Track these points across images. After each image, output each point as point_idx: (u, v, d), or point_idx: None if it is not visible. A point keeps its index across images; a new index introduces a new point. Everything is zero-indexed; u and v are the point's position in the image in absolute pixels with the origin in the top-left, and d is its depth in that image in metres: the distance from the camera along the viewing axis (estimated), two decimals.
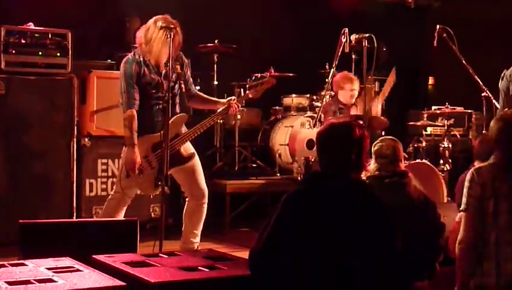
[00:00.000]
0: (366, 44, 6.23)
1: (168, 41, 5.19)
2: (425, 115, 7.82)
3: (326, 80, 8.10)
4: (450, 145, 7.29)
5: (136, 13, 7.51)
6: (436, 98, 9.11)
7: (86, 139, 6.65)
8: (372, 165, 4.34)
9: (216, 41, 7.88)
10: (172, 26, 5.17)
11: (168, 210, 6.70)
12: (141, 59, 5.34)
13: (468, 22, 7.86)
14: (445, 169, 7.03)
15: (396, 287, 3.36)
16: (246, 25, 8.68)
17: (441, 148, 7.25)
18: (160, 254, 4.18)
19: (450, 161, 7.18)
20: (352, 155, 3.41)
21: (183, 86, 5.49)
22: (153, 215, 6.78)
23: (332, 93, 7.35)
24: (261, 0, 9.13)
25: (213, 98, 5.93)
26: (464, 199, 3.81)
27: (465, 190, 3.83)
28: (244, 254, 5.37)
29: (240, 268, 3.70)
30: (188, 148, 5.55)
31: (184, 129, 5.52)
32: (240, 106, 5.70)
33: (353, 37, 6.25)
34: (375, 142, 4.44)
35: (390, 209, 3.42)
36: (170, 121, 5.22)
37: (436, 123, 7.82)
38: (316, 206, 3.30)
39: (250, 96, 5.76)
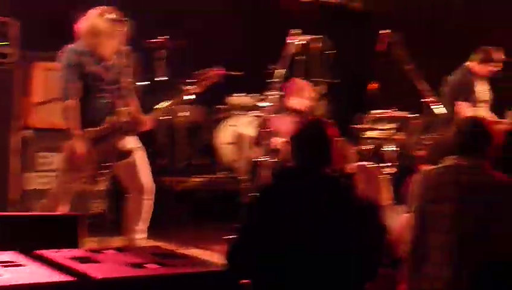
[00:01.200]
0: (316, 45, 6.26)
1: (117, 34, 5.14)
2: (369, 118, 7.90)
3: (272, 80, 8.11)
4: (394, 149, 7.38)
5: (84, 5, 7.40)
6: (380, 102, 9.21)
7: (28, 132, 6.51)
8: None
9: (164, 36, 7.83)
10: (124, 19, 5.10)
11: (109, 206, 6.64)
12: (83, 49, 5.23)
13: (412, 26, 7.97)
14: (388, 172, 7.11)
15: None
16: (195, 21, 8.66)
17: (385, 152, 7.33)
18: (106, 250, 4.10)
19: (394, 164, 7.26)
20: (323, 151, 3.57)
21: (127, 79, 5.41)
22: (92, 211, 6.67)
23: (280, 93, 7.33)
24: None
25: (136, 108, 5.63)
26: (410, 202, 3.89)
27: (412, 193, 3.90)
28: (189, 252, 5.37)
29: (189, 266, 3.67)
30: (129, 142, 5.47)
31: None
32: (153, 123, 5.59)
33: (303, 38, 6.27)
34: None
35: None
36: (113, 116, 5.16)
37: (380, 127, 7.91)
38: (284, 202, 3.44)
39: (193, 91, 5.69)
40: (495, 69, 7.18)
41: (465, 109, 6.96)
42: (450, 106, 7.13)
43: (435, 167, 3.97)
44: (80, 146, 5.18)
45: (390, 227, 4.53)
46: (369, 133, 7.77)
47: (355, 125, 8.09)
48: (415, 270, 3.86)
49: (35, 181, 6.59)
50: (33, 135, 6.52)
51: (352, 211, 3.63)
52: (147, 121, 5.49)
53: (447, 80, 7.29)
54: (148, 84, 7.84)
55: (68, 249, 4.02)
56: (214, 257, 5.67)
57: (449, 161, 3.91)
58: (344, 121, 8.65)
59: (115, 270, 3.39)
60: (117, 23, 5.12)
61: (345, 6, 10.07)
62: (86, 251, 4.09)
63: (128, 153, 5.40)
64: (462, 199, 3.74)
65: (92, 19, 5.26)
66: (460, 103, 7.00)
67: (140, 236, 5.55)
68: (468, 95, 7.04)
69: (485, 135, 3.90)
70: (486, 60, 7.15)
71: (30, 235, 4.36)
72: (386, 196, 6.62)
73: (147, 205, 5.52)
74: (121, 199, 6.37)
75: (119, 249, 4.14)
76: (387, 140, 7.60)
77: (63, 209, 5.39)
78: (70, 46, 5.30)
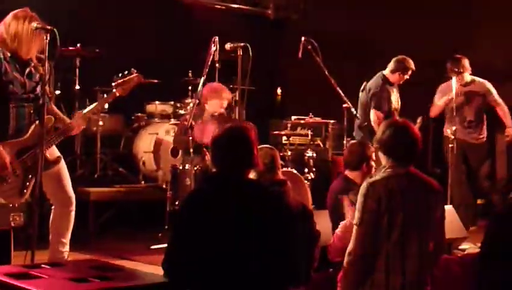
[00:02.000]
0: (237, 52, 6.28)
1: (38, 39, 5.00)
2: (288, 125, 8.02)
3: (190, 87, 8.13)
4: (314, 155, 7.51)
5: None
6: (292, 108, 9.36)
7: None
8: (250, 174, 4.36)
9: (78, 44, 7.71)
10: (49, 27, 4.95)
11: (29, 219, 6.45)
12: (1, 56, 4.99)
13: (324, 34, 8.14)
14: (309, 177, 7.23)
15: None
16: (109, 29, 8.59)
17: (306, 157, 7.46)
18: (42, 265, 3.98)
19: (314, 169, 7.39)
20: (246, 155, 3.60)
21: (47, 88, 5.26)
22: (13, 225, 6.44)
23: (197, 101, 7.35)
24: (125, 5, 9.03)
25: (60, 115, 5.44)
26: (358, 214, 3.87)
27: (358, 205, 3.89)
28: (115, 263, 5.29)
29: (131, 277, 3.64)
30: (53, 152, 5.32)
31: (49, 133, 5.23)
32: (83, 126, 5.45)
33: (228, 45, 6.29)
34: None
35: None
36: (35, 125, 5.03)
37: (300, 132, 8.04)
38: (210, 209, 3.44)
39: (118, 94, 5.51)
40: (406, 77, 7.43)
41: (380, 116, 7.18)
42: (365, 111, 7.33)
43: (377, 178, 3.97)
44: (3, 153, 4.99)
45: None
46: (288, 139, 7.90)
47: (275, 132, 8.22)
48: (362, 279, 3.86)
49: None
50: None
51: (285, 218, 3.68)
52: (75, 125, 5.34)
53: (364, 86, 7.48)
54: (62, 92, 7.71)
55: (2, 265, 3.93)
56: (143, 268, 5.61)
57: (389, 170, 3.94)
58: (260, 127, 8.77)
59: (61, 287, 3.31)
60: (45, 32, 4.95)
61: (258, 14, 10.24)
62: (20, 266, 3.99)
63: (53, 163, 5.25)
64: (408, 207, 3.83)
65: (8, 23, 5.04)
66: (375, 110, 7.22)
67: (66, 249, 5.42)
68: (383, 101, 7.26)
69: (417, 144, 4.00)
70: (401, 68, 7.39)
71: None
72: (308, 201, 6.72)
73: (72, 216, 5.40)
74: (41, 211, 6.23)
75: (56, 264, 4.06)
76: (306, 146, 7.74)
77: None
78: None
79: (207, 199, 3.50)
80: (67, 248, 5.41)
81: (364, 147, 5.49)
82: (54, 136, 5.22)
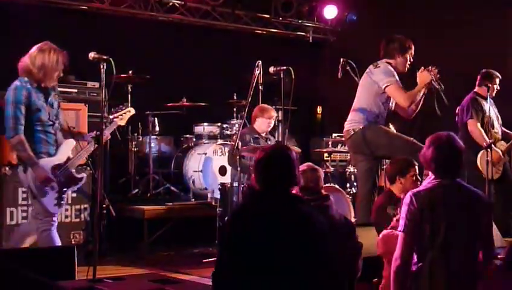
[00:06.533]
0: (283, 75, 6.56)
1: (59, 69, 5.47)
2: (329, 143, 8.33)
3: (235, 109, 8.48)
4: (356, 170, 7.77)
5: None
6: (332, 126, 9.63)
7: (7, 168, 6.67)
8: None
9: (130, 72, 8.06)
10: (105, 57, 5.40)
11: (86, 237, 6.88)
12: (29, 86, 5.41)
13: (359, 55, 8.39)
14: (351, 192, 7.50)
15: None
16: (159, 56, 8.98)
17: (347, 173, 7.74)
18: (104, 280, 4.28)
19: (355, 184, 7.65)
20: (288, 173, 3.81)
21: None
22: (73, 242, 6.83)
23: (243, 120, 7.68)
24: (174, 32, 9.47)
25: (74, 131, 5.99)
26: (402, 221, 4.06)
27: (402, 213, 4.08)
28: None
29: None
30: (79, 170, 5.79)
31: (73, 153, 5.69)
32: (109, 135, 5.93)
33: (271, 69, 6.56)
34: None
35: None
36: (65, 144, 5.58)
37: (341, 149, 8.33)
38: (254, 225, 3.63)
39: (119, 123, 6.09)
40: (496, 87, 7.57)
41: (476, 125, 7.44)
42: (461, 124, 7.60)
43: (421, 188, 4.16)
44: (44, 169, 5.41)
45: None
46: (330, 156, 8.17)
47: (316, 149, 8.51)
48: (409, 282, 4.03)
49: (17, 216, 6.67)
50: (12, 171, 6.59)
51: (322, 231, 3.76)
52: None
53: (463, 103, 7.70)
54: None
55: (67, 281, 4.24)
56: (197, 281, 5.94)
57: (434, 181, 4.12)
58: (302, 145, 9.10)
59: None
60: (96, 58, 5.41)
61: (298, 38, 10.59)
62: (86, 281, 4.33)
63: (80, 179, 5.69)
64: (451, 217, 4.01)
65: (38, 55, 5.44)
66: (470, 120, 7.48)
67: None
68: (478, 114, 7.48)
69: (460, 156, 4.14)
70: (486, 79, 7.55)
71: (28, 269, 4.49)
72: (350, 215, 7.01)
73: None
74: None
75: (118, 278, 4.40)
76: (346, 162, 8.01)
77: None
78: (17, 82, 5.44)
79: (250, 216, 3.68)
80: None
81: (402, 162, 5.70)
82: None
